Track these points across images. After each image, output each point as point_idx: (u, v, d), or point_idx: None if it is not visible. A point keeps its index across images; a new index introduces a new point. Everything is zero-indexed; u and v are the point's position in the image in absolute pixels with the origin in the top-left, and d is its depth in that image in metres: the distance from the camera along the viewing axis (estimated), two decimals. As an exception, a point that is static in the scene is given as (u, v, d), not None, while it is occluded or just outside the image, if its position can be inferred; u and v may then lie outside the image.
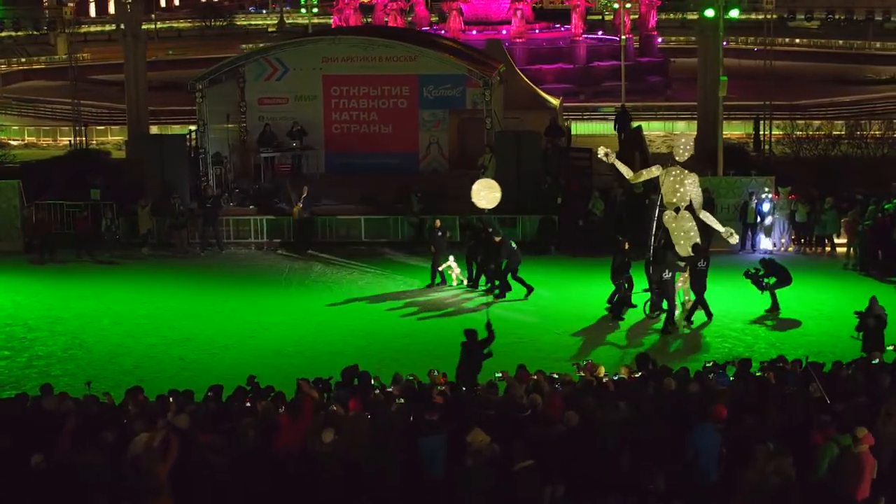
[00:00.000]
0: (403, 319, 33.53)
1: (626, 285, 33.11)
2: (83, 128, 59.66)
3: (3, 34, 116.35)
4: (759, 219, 39.22)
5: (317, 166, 46.76)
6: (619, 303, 33.07)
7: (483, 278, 35.99)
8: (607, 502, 16.73)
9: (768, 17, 64.70)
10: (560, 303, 34.51)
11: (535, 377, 22.51)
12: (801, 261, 37.22)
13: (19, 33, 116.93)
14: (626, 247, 33.37)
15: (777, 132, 55.76)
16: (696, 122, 57.05)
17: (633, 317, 33.10)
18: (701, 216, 33.11)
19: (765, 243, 39.66)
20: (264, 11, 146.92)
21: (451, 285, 36.40)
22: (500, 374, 22.76)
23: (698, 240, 32.32)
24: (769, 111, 55.35)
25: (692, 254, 32.03)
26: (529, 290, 34.96)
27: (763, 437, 17.81)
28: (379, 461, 18.26)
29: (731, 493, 17.25)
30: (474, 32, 74.43)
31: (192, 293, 36.31)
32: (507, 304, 34.31)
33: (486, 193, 33.66)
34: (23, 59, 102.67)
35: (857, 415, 18.87)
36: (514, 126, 46.66)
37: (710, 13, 46.13)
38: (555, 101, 54.36)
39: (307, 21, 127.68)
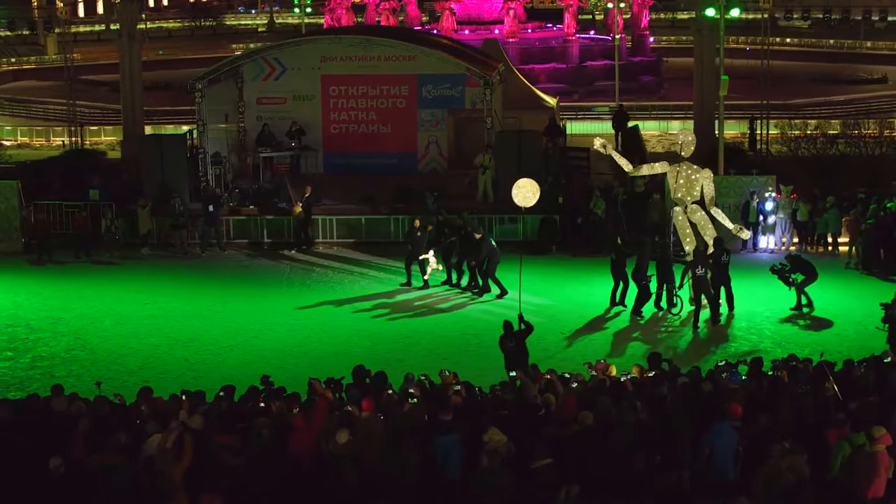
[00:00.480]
0: (406, 319, 33.47)
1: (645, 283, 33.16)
2: (79, 128, 59.21)
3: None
4: (761, 218, 39.17)
5: (315, 166, 46.62)
6: (640, 301, 33.06)
7: (465, 276, 36.04)
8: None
9: (765, 16, 64.69)
10: (563, 302, 34.47)
11: (548, 376, 22.44)
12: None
13: (9, 33, 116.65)
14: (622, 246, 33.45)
15: (774, 131, 55.77)
16: (690, 121, 57.09)
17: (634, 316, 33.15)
18: (712, 212, 33.40)
19: (766, 242, 39.62)
20: (253, 11, 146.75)
21: (424, 279, 36.26)
22: (513, 374, 22.69)
23: (713, 234, 33.13)
24: (766, 110, 55.26)
25: (713, 248, 32.63)
26: (503, 292, 34.82)
27: (778, 435, 17.77)
28: (394, 462, 18.14)
29: (749, 491, 17.19)
30: (466, 32, 74.34)
31: (193, 294, 36.19)
32: (507, 304, 34.12)
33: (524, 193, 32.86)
34: (13, 60, 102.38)
35: (870, 413, 18.85)
36: (512, 126, 46.62)
37: (710, 12, 45.90)
38: (552, 101, 54.31)
39: (297, 21, 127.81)
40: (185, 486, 16.64)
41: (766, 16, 64.45)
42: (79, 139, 58.73)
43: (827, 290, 34.31)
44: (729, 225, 34.00)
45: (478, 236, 35.16)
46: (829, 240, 39.39)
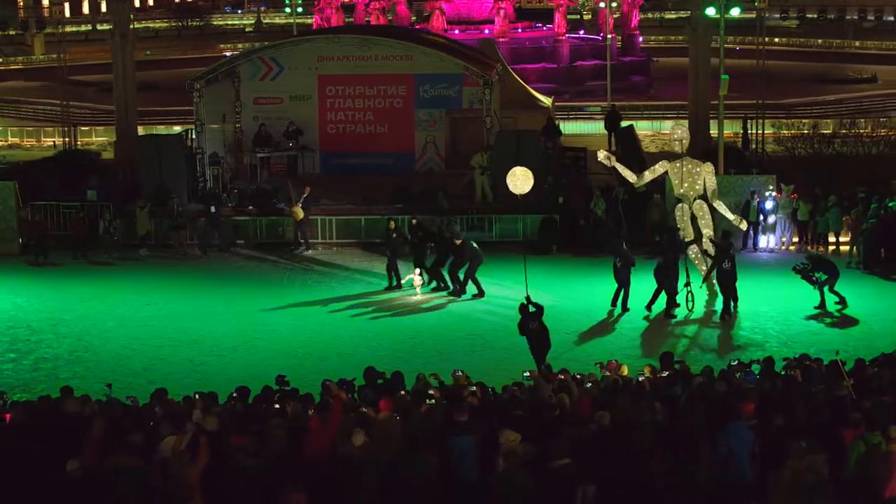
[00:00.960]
0: (408, 319, 33.40)
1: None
2: (72, 128, 58.97)
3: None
4: (761, 217, 39.18)
5: (312, 167, 46.49)
6: (671, 301, 33.05)
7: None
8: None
9: (765, 14, 64.69)
10: (566, 302, 34.29)
11: (562, 377, 22.36)
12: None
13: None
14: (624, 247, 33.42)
15: (771, 130, 55.82)
16: (683, 120, 57.04)
17: (640, 315, 33.09)
18: (714, 204, 33.85)
19: (766, 242, 39.64)
20: (239, 11, 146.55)
21: (400, 282, 36.14)
22: (527, 374, 22.60)
23: (710, 227, 33.69)
24: (760, 110, 55.29)
25: (721, 241, 33.15)
26: (480, 293, 34.95)
27: (795, 434, 17.73)
28: (411, 463, 18.05)
29: (766, 491, 17.14)
30: (457, 32, 74.16)
31: (194, 295, 36.00)
32: (509, 304, 34.00)
33: (520, 182, 32.98)
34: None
35: (885, 413, 18.81)
36: (509, 126, 46.47)
37: (710, 11, 45.93)
38: (546, 101, 54.23)
39: (284, 21, 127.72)
40: (202, 489, 16.55)
41: (765, 14, 64.40)
42: (72, 140, 58.28)
43: (836, 290, 34.24)
44: (730, 216, 34.51)
45: (458, 242, 35.11)
46: (831, 239, 39.38)
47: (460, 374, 23.20)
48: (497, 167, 41.53)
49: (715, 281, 33.53)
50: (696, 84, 53.05)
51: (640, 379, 22.17)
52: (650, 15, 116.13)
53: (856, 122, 55.50)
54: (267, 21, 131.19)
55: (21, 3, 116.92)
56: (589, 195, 40.59)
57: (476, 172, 42.39)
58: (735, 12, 51.30)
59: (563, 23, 79.12)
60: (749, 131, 55.91)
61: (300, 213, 40.01)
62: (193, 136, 44.92)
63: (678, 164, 33.96)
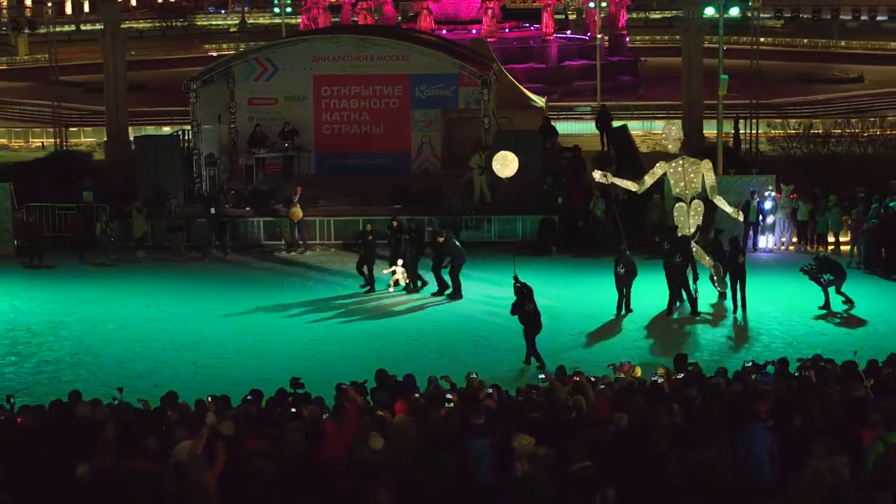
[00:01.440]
0: (411, 321, 33.19)
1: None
2: (62, 129, 58.61)
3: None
4: (761, 217, 39.13)
5: (308, 167, 46.26)
6: (694, 301, 33.08)
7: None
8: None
9: (757, 15, 64.66)
10: (569, 303, 34.22)
11: (577, 378, 22.22)
12: (803, 260, 36.87)
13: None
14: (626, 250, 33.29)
15: (771, 131, 55.84)
16: (674, 120, 57.00)
17: (643, 316, 32.98)
18: (714, 200, 34.14)
19: (765, 242, 39.61)
20: (223, 11, 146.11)
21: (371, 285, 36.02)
22: (542, 376, 22.46)
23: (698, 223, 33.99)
24: (755, 110, 55.29)
25: (729, 247, 33.47)
26: (445, 291, 34.97)
27: (813, 435, 17.65)
28: (429, 467, 17.90)
29: (785, 493, 17.04)
30: (444, 32, 73.84)
31: (194, 296, 35.80)
32: (508, 305, 33.78)
33: (502, 165, 33.23)
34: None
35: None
36: (504, 126, 46.32)
37: (710, 11, 45.90)
38: (540, 101, 54.08)
39: (268, 21, 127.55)
40: (218, 494, 16.38)
41: (759, 14, 64.36)
42: (62, 140, 57.91)
43: (831, 291, 34.20)
44: (729, 210, 34.51)
45: (441, 240, 35.04)
46: (831, 239, 39.36)
47: (474, 376, 23.05)
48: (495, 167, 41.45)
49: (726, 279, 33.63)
50: (689, 84, 52.93)
51: (660, 381, 21.99)
52: (635, 15, 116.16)
53: (851, 121, 55.43)
54: (251, 21, 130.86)
55: (5, 4, 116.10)
56: (588, 195, 40.42)
57: (475, 173, 42.18)
58: (733, 12, 51.06)
59: (551, 23, 79.04)
60: (740, 131, 55.90)
61: (299, 214, 39.81)
62: (189, 137, 44.62)
63: (675, 164, 34.02)
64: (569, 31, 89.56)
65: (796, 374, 23.00)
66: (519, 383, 25.32)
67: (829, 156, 49.00)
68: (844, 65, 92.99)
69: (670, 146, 34.40)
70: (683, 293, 33.24)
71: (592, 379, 23.05)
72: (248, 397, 21.96)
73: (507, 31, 79.49)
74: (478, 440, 18.02)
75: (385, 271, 35.90)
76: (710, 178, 34.05)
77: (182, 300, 35.32)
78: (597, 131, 54.99)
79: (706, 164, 34.31)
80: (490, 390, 21.62)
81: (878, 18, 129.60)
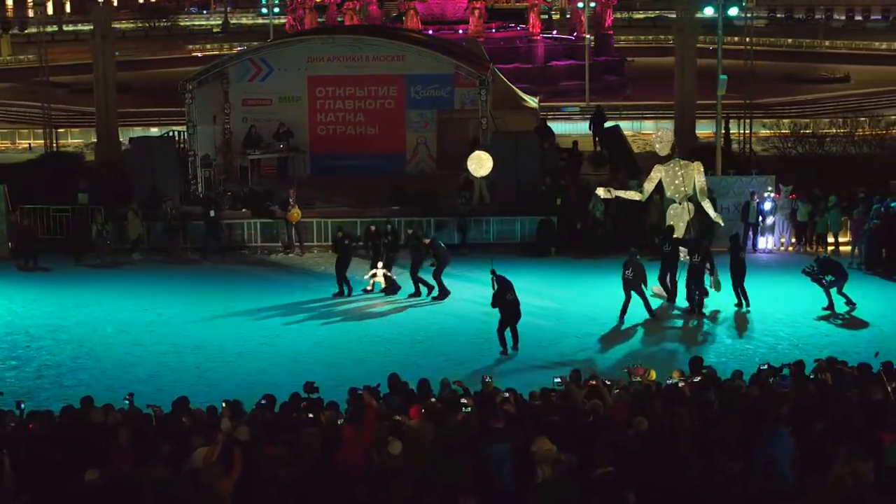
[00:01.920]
0: (415, 323, 32.90)
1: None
2: (53, 130, 58.17)
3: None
4: (760, 218, 39.05)
5: (303, 168, 46.01)
6: (700, 300, 33.04)
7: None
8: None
9: (751, 14, 64.66)
10: (572, 305, 34.12)
11: (593, 382, 22.02)
12: (803, 261, 36.82)
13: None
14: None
15: (765, 131, 55.81)
16: (663, 120, 57.07)
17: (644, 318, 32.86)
18: (702, 203, 34.46)
19: (765, 243, 39.53)
20: (205, 12, 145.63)
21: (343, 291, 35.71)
22: (558, 379, 22.25)
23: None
24: (748, 110, 55.25)
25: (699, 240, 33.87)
26: (431, 293, 34.83)
27: (833, 439, 17.53)
28: (448, 472, 17.70)
29: (806, 497, 16.90)
30: (430, 32, 73.67)
31: (193, 299, 35.47)
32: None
33: (476, 166, 33.54)
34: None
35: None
36: (499, 126, 46.15)
37: (709, 11, 45.85)
38: (533, 102, 53.86)
39: (251, 22, 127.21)
40: (235, 500, 16.16)
41: (752, 14, 64.34)
42: (52, 142, 57.46)
43: (834, 291, 34.13)
44: (712, 214, 34.74)
45: (427, 241, 34.97)
46: (830, 240, 39.28)
47: (489, 380, 22.89)
48: (495, 168, 41.28)
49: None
50: (681, 84, 52.81)
51: (680, 385, 21.80)
52: (619, 15, 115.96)
53: (847, 121, 55.41)
54: (234, 21, 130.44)
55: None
56: (587, 197, 40.24)
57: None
58: (733, 12, 50.97)
59: (538, 23, 78.88)
60: (731, 131, 55.88)
61: (298, 215, 39.55)
62: (185, 138, 44.30)
63: (670, 167, 34.22)
64: (554, 32, 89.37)
65: (811, 377, 22.88)
66: (519, 378, 25.28)
67: (823, 156, 48.93)
68: (830, 64, 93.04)
69: (660, 148, 34.50)
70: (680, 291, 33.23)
71: (607, 382, 22.89)
72: (263, 402, 21.70)
73: (493, 31, 79.20)
74: (498, 445, 17.84)
75: (366, 276, 35.54)
76: (700, 181, 34.46)
77: (180, 303, 35.01)
78: (589, 132, 54.96)
79: (697, 167, 34.72)
80: (507, 394, 21.48)
81: (873, 18, 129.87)
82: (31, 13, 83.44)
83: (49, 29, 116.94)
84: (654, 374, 23.56)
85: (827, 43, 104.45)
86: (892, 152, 49.87)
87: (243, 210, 41.38)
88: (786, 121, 60.63)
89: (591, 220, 39.58)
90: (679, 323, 32.57)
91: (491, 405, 20.31)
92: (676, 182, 34.41)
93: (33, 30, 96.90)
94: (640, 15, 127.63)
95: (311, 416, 20.31)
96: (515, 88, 55.35)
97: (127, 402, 21.86)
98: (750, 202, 38.98)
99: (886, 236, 36.86)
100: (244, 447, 17.35)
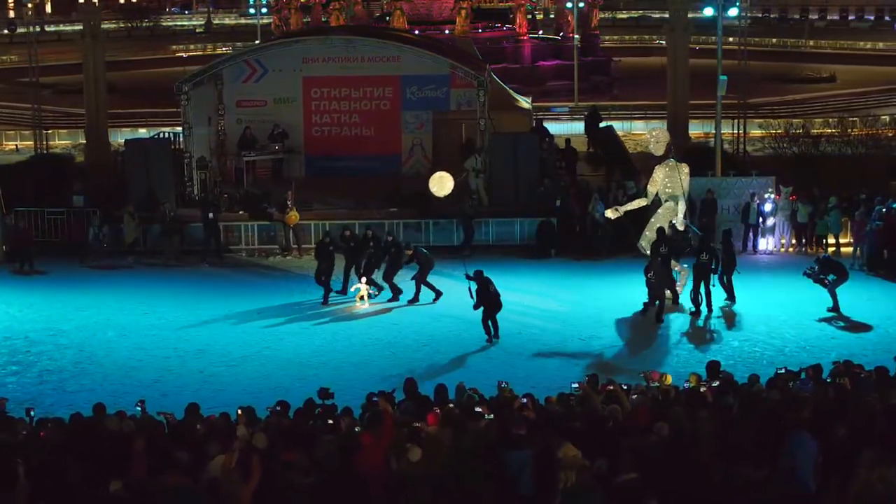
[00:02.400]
0: (418, 327, 32.55)
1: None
2: (43, 132, 57.71)
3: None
4: (760, 220, 38.94)
5: (298, 170, 45.71)
6: (708, 300, 32.95)
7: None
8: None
9: (745, 14, 64.61)
10: (575, 308, 33.91)
11: (611, 387, 21.83)
12: (803, 262, 36.77)
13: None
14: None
15: (759, 131, 55.78)
16: (653, 120, 57.03)
17: (648, 320, 32.72)
18: (680, 205, 34.52)
19: (765, 244, 39.43)
20: (187, 12, 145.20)
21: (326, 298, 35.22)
22: (576, 385, 22.06)
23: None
24: (742, 110, 55.21)
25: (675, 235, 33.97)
26: (416, 298, 34.62)
27: (859, 444, 17.34)
28: (469, 479, 17.50)
29: (829, 502, 16.76)
30: (416, 32, 73.35)
31: (192, 302, 35.11)
32: (515, 309, 33.42)
33: (438, 187, 33.68)
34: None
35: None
36: (494, 127, 45.88)
37: (709, 11, 45.79)
38: (526, 103, 53.63)
39: (234, 22, 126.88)
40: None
41: (747, 14, 64.29)
42: (41, 143, 56.97)
43: (838, 292, 34.08)
44: (680, 216, 34.57)
45: (409, 252, 34.80)
46: (831, 241, 39.19)
47: (505, 385, 22.66)
48: (493, 169, 41.11)
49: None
50: (674, 85, 52.76)
51: (702, 389, 21.64)
52: (603, 14, 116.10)
53: (841, 120, 55.45)
54: (217, 21, 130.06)
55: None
56: (587, 198, 40.04)
57: (470, 175, 41.66)
58: (732, 12, 50.90)
59: (525, 23, 78.71)
60: (736, 131, 55.98)
61: (295, 218, 39.25)
62: (178, 139, 43.96)
63: (666, 167, 34.43)
64: (540, 32, 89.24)
65: (828, 381, 22.74)
66: (529, 382, 25.38)
67: (818, 156, 48.90)
68: (815, 64, 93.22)
69: (655, 147, 34.47)
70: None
71: (624, 387, 22.71)
72: (277, 408, 21.45)
73: (479, 31, 78.97)
74: (518, 451, 17.65)
75: (351, 289, 35.13)
76: (686, 183, 34.56)
77: (180, 306, 34.67)
78: (582, 132, 54.85)
79: (684, 169, 34.67)
80: (525, 400, 21.27)
81: (866, 18, 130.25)
82: (11, 14, 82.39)
83: (31, 30, 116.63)
84: (669, 379, 23.35)
85: (811, 43, 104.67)
86: (886, 152, 49.88)
87: (240, 212, 41.03)
88: (775, 121, 60.45)
89: (590, 221, 39.37)
90: (685, 326, 32.30)
91: (510, 411, 20.14)
92: (673, 184, 34.36)
93: (21, 30, 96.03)
94: (623, 15, 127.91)
95: (330, 422, 20.07)
96: (508, 89, 55.08)
97: (139, 409, 21.62)
98: (750, 203, 38.85)
99: (889, 238, 36.76)
100: (262, 454, 17.14)
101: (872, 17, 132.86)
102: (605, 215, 35.46)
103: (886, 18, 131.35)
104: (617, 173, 44.37)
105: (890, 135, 54.54)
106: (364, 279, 34.69)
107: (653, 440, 18.37)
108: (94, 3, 64.08)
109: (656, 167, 35.02)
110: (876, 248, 37.00)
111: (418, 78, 45.64)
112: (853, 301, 33.32)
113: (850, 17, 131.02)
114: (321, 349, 30.64)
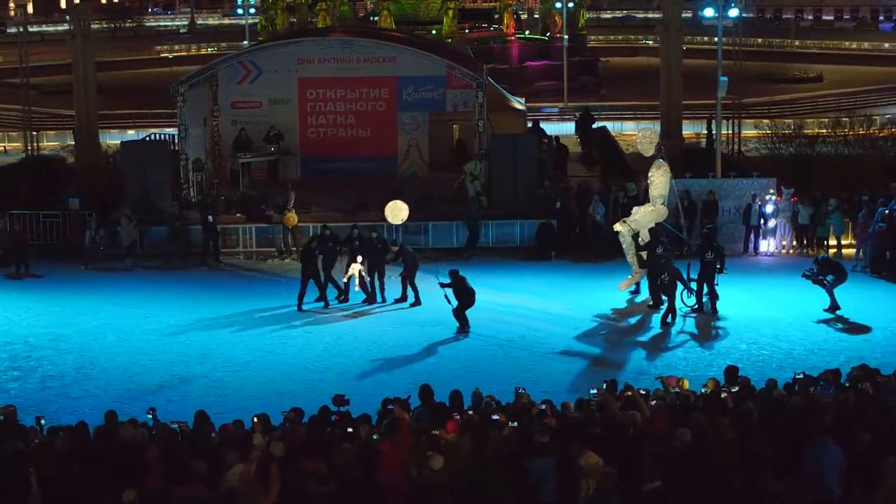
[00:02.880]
0: (422, 331, 32.15)
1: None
2: (33, 134, 57.28)
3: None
4: (762, 221, 38.81)
5: (293, 171, 45.41)
6: (712, 301, 32.86)
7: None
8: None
9: (741, 14, 64.50)
10: (578, 310, 33.60)
11: (629, 393, 21.60)
12: (804, 263, 36.61)
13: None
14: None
15: (754, 131, 55.73)
16: (644, 121, 56.97)
17: (652, 322, 32.58)
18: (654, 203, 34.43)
19: (766, 246, 39.30)
20: (169, 13, 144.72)
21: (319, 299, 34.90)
22: (595, 391, 21.82)
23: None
24: (736, 110, 55.12)
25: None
26: (416, 301, 34.35)
27: (884, 451, 17.22)
28: (488, 487, 17.28)
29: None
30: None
31: (192, 306, 34.69)
32: (518, 311, 33.27)
33: (392, 215, 34.51)
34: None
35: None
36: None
37: (709, 12, 45.67)
38: (520, 104, 53.40)
39: (217, 22, 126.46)
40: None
41: (742, 14, 64.19)
42: (31, 145, 56.52)
43: (840, 293, 33.95)
44: (637, 217, 34.54)
45: (395, 248, 34.57)
46: (832, 242, 39.08)
47: (522, 391, 22.42)
48: (493, 171, 40.87)
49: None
50: (668, 85, 52.56)
51: (723, 395, 21.42)
52: (588, 15, 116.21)
53: (839, 120, 55.45)
54: (200, 22, 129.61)
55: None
56: (587, 199, 39.84)
57: (468, 178, 41.43)
58: (733, 13, 50.82)
59: (512, 23, 78.64)
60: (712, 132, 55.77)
61: (294, 220, 38.92)
62: (173, 141, 43.64)
63: (660, 168, 34.32)
64: (526, 32, 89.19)
65: (847, 385, 22.57)
66: (539, 386, 25.13)
67: (814, 156, 48.86)
68: (801, 64, 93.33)
69: (644, 148, 34.40)
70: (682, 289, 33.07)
71: (642, 392, 22.50)
72: (291, 416, 21.14)
73: (466, 31, 78.84)
74: (541, 459, 17.45)
75: (345, 278, 34.84)
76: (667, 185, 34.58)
77: (180, 310, 34.25)
78: (572, 132, 54.75)
79: (667, 170, 34.65)
80: (543, 406, 21.03)
81: (860, 17, 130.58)
82: (20, 14, 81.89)
83: (14, 30, 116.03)
84: (687, 384, 23.14)
85: (797, 43, 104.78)
86: (883, 153, 49.87)
87: (237, 214, 40.70)
88: (766, 121, 60.48)
89: (590, 223, 39.19)
90: (691, 328, 32.11)
91: (530, 418, 19.92)
92: (655, 181, 34.22)
93: (11, 30, 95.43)
94: (607, 14, 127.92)
95: (349, 430, 19.76)
96: (502, 90, 54.84)
97: (150, 416, 21.29)
98: (751, 205, 38.71)
99: (892, 239, 36.66)
100: (280, 463, 16.89)
101: (860, 17, 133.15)
102: (614, 228, 35.04)
103: (881, 18, 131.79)
104: (616, 174, 44.23)
105: (885, 135, 54.44)
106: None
107: (674, 447, 18.19)
108: (85, 3, 63.39)
109: (651, 170, 34.76)
110: (879, 249, 36.89)
111: (415, 79, 45.50)
112: (858, 303, 33.20)
113: (846, 17, 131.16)
114: (325, 353, 30.28)
